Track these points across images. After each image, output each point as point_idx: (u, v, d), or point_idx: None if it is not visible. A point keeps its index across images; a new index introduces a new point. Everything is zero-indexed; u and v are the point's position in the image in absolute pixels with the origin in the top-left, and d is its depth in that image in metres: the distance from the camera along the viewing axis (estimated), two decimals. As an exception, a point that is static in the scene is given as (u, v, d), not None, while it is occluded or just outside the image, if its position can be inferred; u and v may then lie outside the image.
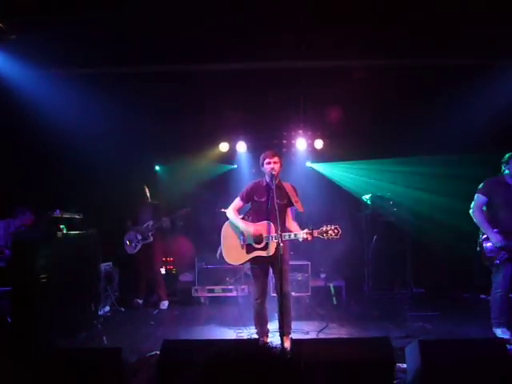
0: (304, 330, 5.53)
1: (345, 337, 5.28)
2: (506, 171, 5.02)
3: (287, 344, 4.34)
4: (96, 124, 6.86)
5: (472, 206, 5.12)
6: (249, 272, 5.25)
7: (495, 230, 4.95)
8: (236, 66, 6.73)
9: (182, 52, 6.21)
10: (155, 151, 8.15)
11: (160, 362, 3.34)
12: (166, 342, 3.48)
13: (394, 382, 3.43)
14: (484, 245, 5.03)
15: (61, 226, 5.29)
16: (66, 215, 5.53)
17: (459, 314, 6.27)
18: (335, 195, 8.10)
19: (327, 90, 7.08)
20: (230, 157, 8.70)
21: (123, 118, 6.87)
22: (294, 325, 5.08)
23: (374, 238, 7.27)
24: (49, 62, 6.26)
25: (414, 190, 7.49)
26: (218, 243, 5.04)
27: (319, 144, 8.41)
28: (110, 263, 7.03)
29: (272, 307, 5.01)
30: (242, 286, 7.11)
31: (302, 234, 4.45)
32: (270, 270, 4.86)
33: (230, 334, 5.51)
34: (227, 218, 4.94)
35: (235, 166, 8.72)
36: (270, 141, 8.28)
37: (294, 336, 4.88)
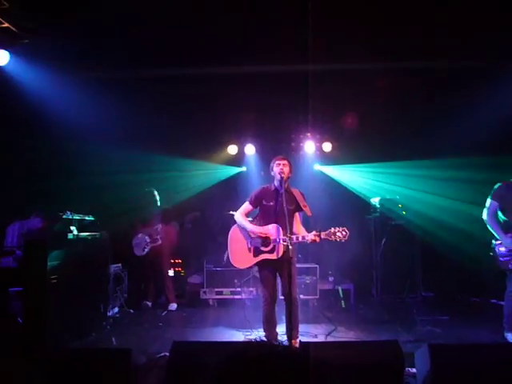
0: (312, 333, 5.52)
1: (353, 340, 5.26)
2: None
3: (296, 347, 4.34)
4: (107, 127, 6.90)
5: (484, 211, 5.11)
6: (257, 274, 5.25)
7: (509, 235, 4.92)
8: (245, 69, 6.74)
9: (193, 55, 6.24)
10: (165, 154, 8.18)
11: (169, 363, 3.35)
12: (175, 343, 3.49)
13: (403, 386, 3.42)
14: (497, 249, 5.01)
15: (71, 228, 5.33)
16: (77, 217, 5.57)
17: (469, 318, 6.22)
18: (343, 198, 8.08)
19: (336, 94, 7.08)
20: (238, 159, 8.72)
21: (134, 121, 6.92)
22: (303, 328, 5.08)
23: (383, 241, 7.25)
24: (61, 65, 6.31)
25: (424, 193, 7.45)
26: (227, 246, 5.05)
27: (327, 147, 8.41)
28: (120, 265, 7.06)
29: (280, 310, 5.01)
30: (251, 289, 7.12)
31: (310, 236, 4.47)
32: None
33: (238, 336, 5.52)
34: (235, 222, 4.96)
35: (244, 169, 8.74)
36: (278, 143, 8.30)
37: (303, 339, 4.88)
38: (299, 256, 6.96)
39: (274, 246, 4.63)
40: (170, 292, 7.29)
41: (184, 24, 5.58)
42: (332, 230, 4.42)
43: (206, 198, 8.16)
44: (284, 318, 4.77)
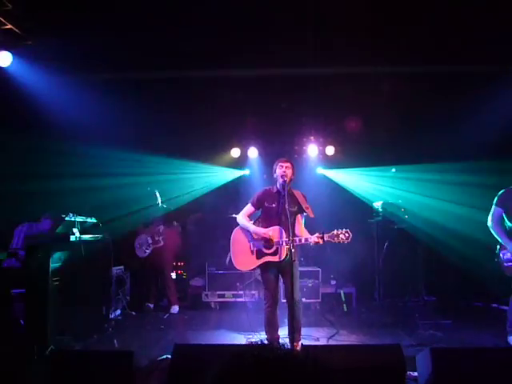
0: (314, 337, 5.52)
1: (355, 344, 5.25)
2: None
3: (297, 350, 4.34)
4: (109, 128, 6.92)
5: (489, 217, 5.10)
6: (259, 278, 5.25)
7: None
8: (248, 72, 6.76)
9: (196, 58, 6.25)
10: (168, 156, 8.19)
11: (171, 366, 3.35)
12: (177, 346, 3.49)
13: (405, 390, 3.41)
14: (501, 255, 5.00)
15: (74, 230, 5.34)
16: (79, 219, 5.58)
17: (471, 322, 6.19)
18: (346, 202, 8.08)
19: (339, 97, 7.09)
20: (241, 162, 8.73)
21: (136, 122, 6.94)
22: (305, 331, 5.07)
23: (386, 244, 7.24)
24: (64, 67, 6.33)
25: (426, 197, 7.44)
26: (229, 248, 5.06)
27: (330, 150, 8.41)
28: (122, 267, 7.08)
29: (282, 313, 5.01)
30: (253, 292, 7.12)
31: (313, 238, 4.47)
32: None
33: (240, 339, 5.51)
34: (238, 224, 4.96)
35: (247, 172, 8.74)
36: (281, 147, 8.31)
37: (305, 342, 4.87)
38: (301, 259, 6.96)
39: (277, 248, 4.63)
40: (172, 294, 7.29)
41: (187, 26, 5.60)
42: (335, 231, 4.43)
43: (209, 200, 8.17)
44: (286, 321, 4.77)
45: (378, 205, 7.69)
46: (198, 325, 6.38)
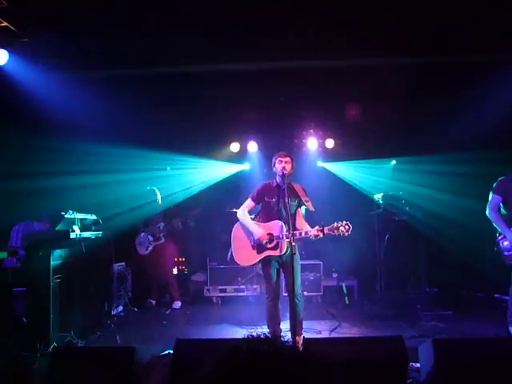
0: (316, 330, 5.53)
1: (357, 336, 5.26)
2: None
3: (300, 343, 4.35)
4: (107, 125, 6.90)
5: (487, 205, 5.06)
6: (261, 272, 5.25)
7: None
8: (247, 66, 6.72)
9: (194, 52, 6.22)
10: (167, 152, 8.17)
11: (173, 361, 3.36)
12: (179, 341, 3.50)
13: (407, 381, 3.42)
14: (501, 244, 4.97)
15: (74, 227, 5.34)
16: (80, 216, 5.58)
17: (473, 313, 6.21)
18: (346, 194, 8.06)
19: (339, 90, 7.05)
20: (240, 157, 8.71)
21: (135, 119, 6.91)
22: (307, 324, 5.08)
23: (387, 237, 7.24)
24: (61, 64, 6.30)
25: (427, 188, 7.43)
26: (230, 244, 5.06)
27: (330, 143, 8.39)
28: (123, 264, 7.08)
29: (284, 307, 5.01)
30: (254, 286, 7.13)
31: (313, 231, 4.46)
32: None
33: (242, 333, 5.52)
34: (238, 219, 4.96)
35: (247, 167, 8.72)
36: (280, 140, 8.28)
37: (307, 335, 4.88)
38: (303, 253, 6.96)
39: (278, 242, 4.63)
40: (175, 290, 7.31)
41: (185, 22, 5.56)
42: (335, 224, 4.41)
43: (209, 195, 8.16)
44: (288, 314, 4.78)
45: (378, 197, 7.68)
46: (200, 320, 6.40)
